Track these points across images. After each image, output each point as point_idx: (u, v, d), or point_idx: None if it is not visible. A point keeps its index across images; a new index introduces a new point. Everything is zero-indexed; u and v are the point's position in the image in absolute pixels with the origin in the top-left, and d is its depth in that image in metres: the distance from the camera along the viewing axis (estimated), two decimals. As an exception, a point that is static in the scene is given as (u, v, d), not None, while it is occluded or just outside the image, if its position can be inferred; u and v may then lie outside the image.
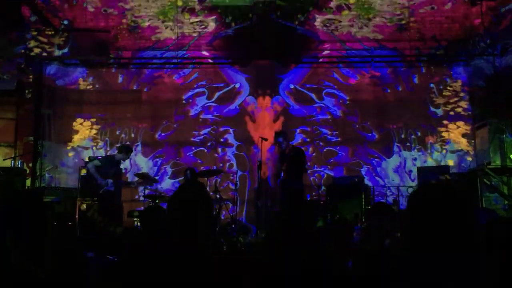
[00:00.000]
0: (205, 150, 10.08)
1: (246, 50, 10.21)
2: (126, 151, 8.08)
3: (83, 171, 8.52)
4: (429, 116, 10.04)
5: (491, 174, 8.13)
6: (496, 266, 2.39)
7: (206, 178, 8.66)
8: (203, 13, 10.32)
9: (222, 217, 8.55)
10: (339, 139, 10.04)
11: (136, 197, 9.50)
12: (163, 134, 10.16)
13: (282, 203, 7.53)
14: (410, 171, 9.79)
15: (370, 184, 9.31)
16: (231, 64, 10.28)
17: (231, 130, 10.14)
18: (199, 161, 10.02)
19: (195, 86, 10.27)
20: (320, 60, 10.28)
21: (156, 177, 9.42)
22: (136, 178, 8.21)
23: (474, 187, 8.03)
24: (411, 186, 9.18)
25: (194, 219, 2.19)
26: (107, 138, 10.13)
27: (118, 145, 8.96)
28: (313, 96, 10.18)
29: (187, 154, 10.06)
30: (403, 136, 10.01)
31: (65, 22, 10.08)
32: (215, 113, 10.19)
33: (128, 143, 9.46)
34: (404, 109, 10.05)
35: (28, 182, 9.03)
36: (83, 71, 10.32)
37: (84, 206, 7.78)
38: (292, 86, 10.22)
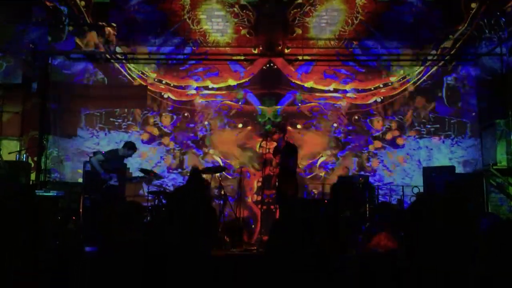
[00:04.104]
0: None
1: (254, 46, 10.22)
2: (129, 147, 8.09)
3: (88, 166, 8.53)
4: (437, 114, 10.00)
5: (497, 174, 8.07)
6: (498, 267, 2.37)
7: (210, 174, 8.63)
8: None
9: (225, 214, 8.55)
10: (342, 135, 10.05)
11: (141, 192, 9.49)
12: (167, 126, 10.16)
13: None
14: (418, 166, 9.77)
15: (374, 183, 9.27)
16: (237, 61, 10.26)
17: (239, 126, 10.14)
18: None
19: (201, 79, 10.26)
20: (326, 58, 10.19)
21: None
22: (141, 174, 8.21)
23: (480, 188, 7.99)
24: (416, 186, 9.11)
25: (192, 218, 2.17)
26: (113, 131, 10.12)
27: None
28: (319, 91, 10.14)
29: (193, 148, 10.07)
30: (408, 133, 9.98)
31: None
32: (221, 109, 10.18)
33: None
34: (411, 105, 10.09)
35: (33, 176, 9.07)
36: (89, 65, 10.31)
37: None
38: (297, 82, 10.19)
